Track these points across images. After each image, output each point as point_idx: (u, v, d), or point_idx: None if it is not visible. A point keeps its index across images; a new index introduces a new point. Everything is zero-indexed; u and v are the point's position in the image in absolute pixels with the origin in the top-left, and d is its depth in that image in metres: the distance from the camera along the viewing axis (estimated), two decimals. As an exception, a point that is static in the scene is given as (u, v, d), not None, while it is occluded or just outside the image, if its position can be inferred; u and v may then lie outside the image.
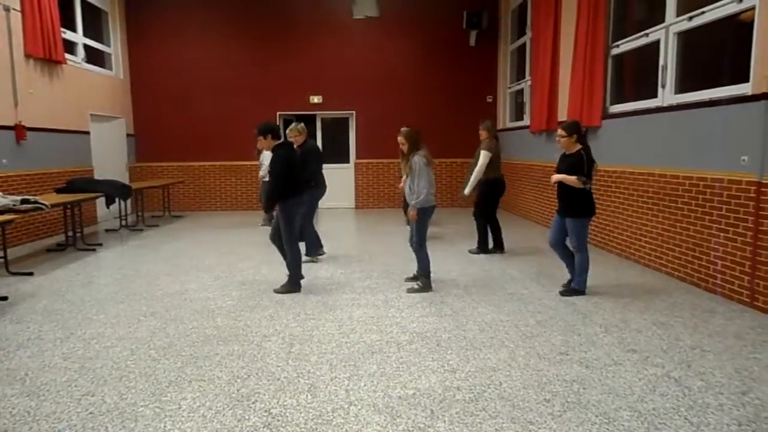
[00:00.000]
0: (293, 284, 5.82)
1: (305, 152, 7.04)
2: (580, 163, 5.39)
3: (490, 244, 7.71)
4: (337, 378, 3.70)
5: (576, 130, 5.49)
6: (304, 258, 6.61)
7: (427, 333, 4.55)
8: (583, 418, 3.12)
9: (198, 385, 3.60)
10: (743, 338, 4.34)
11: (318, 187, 7.24)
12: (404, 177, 5.77)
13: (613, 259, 7.25)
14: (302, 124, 7.28)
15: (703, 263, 5.74)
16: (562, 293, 5.60)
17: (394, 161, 12.96)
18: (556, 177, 5.48)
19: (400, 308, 5.22)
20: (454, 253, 7.74)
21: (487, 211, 7.62)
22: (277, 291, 5.78)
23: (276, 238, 5.86)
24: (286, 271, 5.87)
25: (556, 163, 5.69)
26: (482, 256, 7.53)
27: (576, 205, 5.45)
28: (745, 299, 5.16)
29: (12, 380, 3.69)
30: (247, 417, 3.18)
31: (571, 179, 5.34)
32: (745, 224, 5.14)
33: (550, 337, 4.43)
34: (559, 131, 5.52)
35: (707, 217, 5.66)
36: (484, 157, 7.38)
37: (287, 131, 7.24)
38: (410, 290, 5.77)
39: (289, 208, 5.65)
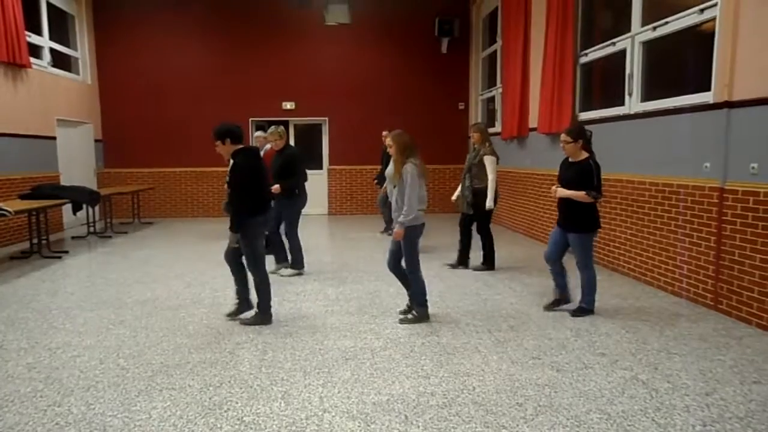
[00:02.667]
0: (264, 314, 4.98)
1: (289, 158, 6.70)
2: (589, 174, 4.84)
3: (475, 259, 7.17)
4: (310, 385, 3.69)
5: (581, 134, 4.94)
6: (271, 267, 6.49)
7: (401, 339, 4.55)
8: (554, 422, 3.16)
9: (169, 394, 3.55)
10: (707, 340, 4.45)
11: (300, 195, 6.79)
12: (387, 185, 5.07)
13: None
14: (282, 128, 6.81)
15: (669, 267, 5.87)
16: (574, 314, 5.10)
17: (367, 167, 13.01)
18: (563, 192, 4.94)
19: (374, 315, 5.22)
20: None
21: (488, 222, 7.00)
22: (245, 323, 4.95)
23: (231, 258, 5.02)
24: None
25: (558, 170, 5.20)
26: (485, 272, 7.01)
27: (581, 219, 4.95)
28: (709, 302, 5.29)
29: (-25, 392, 3.59)
30: (219, 425, 3.14)
31: (579, 195, 4.84)
32: (709, 229, 5.28)
33: (522, 341, 4.48)
34: (563, 136, 4.99)
35: (673, 222, 5.80)
36: (492, 163, 6.72)
37: (267, 134, 6.87)
38: (403, 321, 4.99)
39: (254, 227, 4.83)
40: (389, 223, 8.47)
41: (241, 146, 4.83)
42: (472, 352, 4.27)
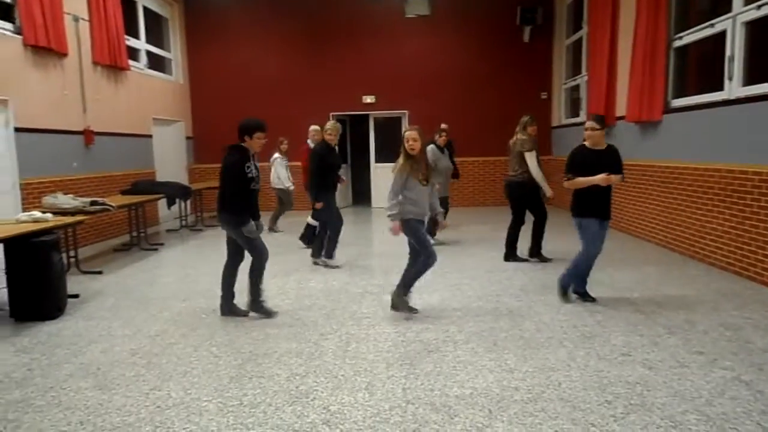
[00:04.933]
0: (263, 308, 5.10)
1: (333, 152, 6.93)
2: (620, 158, 5.11)
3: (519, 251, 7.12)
4: (393, 376, 3.72)
5: (605, 122, 5.21)
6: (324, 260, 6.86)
7: (483, 332, 4.51)
8: (647, 421, 3.03)
9: (258, 382, 3.68)
10: (819, 341, 4.13)
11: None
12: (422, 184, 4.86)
13: (677, 259, 7.01)
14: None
15: (775, 262, 5.48)
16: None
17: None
18: (615, 178, 4.91)
19: (456, 308, 5.19)
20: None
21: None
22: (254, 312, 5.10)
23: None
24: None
25: (580, 160, 5.05)
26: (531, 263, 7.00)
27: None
28: (821, 300, 4.90)
29: (86, 374, 3.87)
30: (306, 414, 3.23)
31: (618, 178, 4.96)
32: (821, 221, 4.88)
33: (610, 337, 4.32)
34: (592, 124, 5.02)
35: (778, 213, 5.40)
36: (533, 158, 6.77)
37: (326, 129, 6.91)
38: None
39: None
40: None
41: (236, 144, 5.06)
42: (557, 346, 4.16)
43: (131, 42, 10.65)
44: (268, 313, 5.08)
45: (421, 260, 4.93)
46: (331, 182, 6.98)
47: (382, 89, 13.15)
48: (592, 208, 5.03)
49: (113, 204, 7.32)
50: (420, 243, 4.91)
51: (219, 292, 5.23)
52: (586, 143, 5.10)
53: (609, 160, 5.03)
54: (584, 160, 5.04)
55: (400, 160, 4.87)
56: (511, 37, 12.80)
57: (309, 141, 8.28)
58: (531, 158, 6.75)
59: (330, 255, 7.08)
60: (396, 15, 12.88)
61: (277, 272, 6.82)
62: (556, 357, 3.96)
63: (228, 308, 5.16)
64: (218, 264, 7.36)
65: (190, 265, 7.48)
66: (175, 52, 12.85)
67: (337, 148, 7.07)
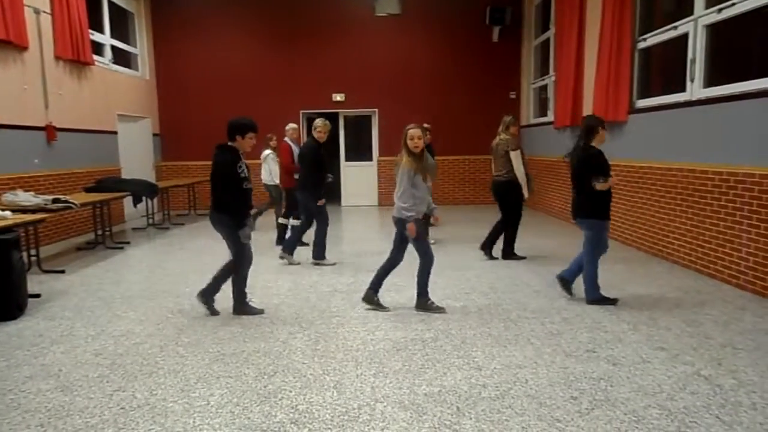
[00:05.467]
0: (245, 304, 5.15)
1: (321, 150, 6.89)
2: None
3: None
4: (362, 375, 3.72)
5: None
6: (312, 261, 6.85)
7: (451, 330, 4.54)
8: (611, 416, 3.09)
9: (225, 382, 3.64)
10: (776, 336, 4.26)
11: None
12: (424, 181, 4.97)
13: (641, 257, 7.16)
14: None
15: (734, 260, 5.63)
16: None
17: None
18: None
19: (425, 312, 5.21)
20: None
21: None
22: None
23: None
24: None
25: (599, 162, 5.07)
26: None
27: None
28: (778, 296, 5.06)
29: (47, 375, 3.78)
30: (274, 413, 3.21)
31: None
32: (778, 220, 5.04)
33: (576, 334, 4.39)
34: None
35: (738, 212, 5.55)
36: (518, 157, 6.83)
37: (316, 127, 6.89)
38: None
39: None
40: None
41: (226, 143, 4.97)
42: (525, 344, 4.21)
43: (95, 36, 10.42)
44: (254, 312, 5.08)
45: (420, 263, 4.99)
46: (321, 180, 6.91)
47: (352, 87, 13.13)
48: (608, 210, 5.10)
49: (76, 201, 7.15)
50: (419, 243, 4.92)
51: (186, 290, 5.16)
52: (596, 144, 5.08)
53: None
54: (605, 164, 5.06)
55: (404, 158, 4.83)
56: (480, 37, 12.90)
57: (287, 139, 8.20)
58: (516, 158, 6.82)
59: (322, 256, 7.03)
60: (366, 13, 12.87)
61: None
62: (524, 354, 4.01)
63: (241, 308, 5.10)
64: (186, 262, 7.31)
65: (157, 263, 7.36)
66: (141, 47, 12.61)
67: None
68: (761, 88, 5.30)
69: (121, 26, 11.99)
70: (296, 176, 7.61)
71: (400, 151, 4.94)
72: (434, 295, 5.55)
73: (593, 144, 5.06)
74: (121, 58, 11.82)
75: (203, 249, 8.26)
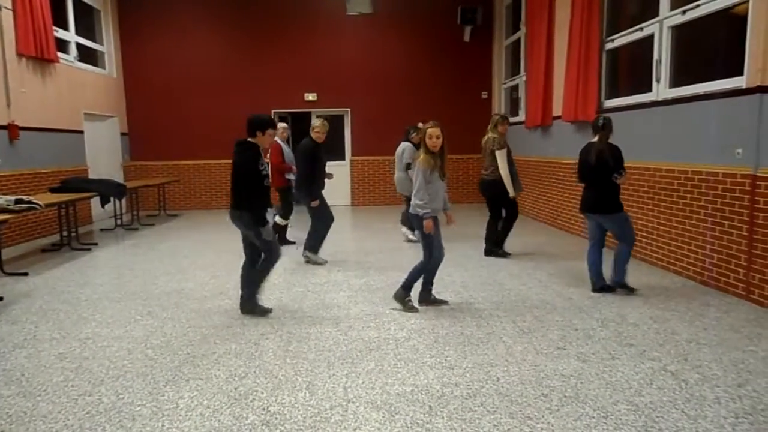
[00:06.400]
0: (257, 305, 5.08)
1: (320, 149, 6.83)
2: None
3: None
4: (335, 375, 3.70)
5: None
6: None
7: (424, 329, 4.54)
8: (580, 412, 3.12)
9: (195, 384, 3.59)
10: (739, 331, 4.36)
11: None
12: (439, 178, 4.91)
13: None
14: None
15: (699, 257, 5.76)
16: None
17: (391, 158, 12.98)
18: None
19: (398, 305, 5.21)
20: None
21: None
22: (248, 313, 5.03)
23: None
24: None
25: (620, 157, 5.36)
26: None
27: None
28: (741, 292, 5.18)
29: (8, 381, 3.67)
30: (245, 415, 3.17)
31: None
32: (740, 217, 5.16)
33: (547, 332, 4.43)
34: None
35: (703, 210, 5.67)
36: (502, 156, 6.91)
37: (314, 127, 6.79)
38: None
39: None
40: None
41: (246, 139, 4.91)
42: (497, 342, 4.24)
43: (60, 33, 10.18)
44: (263, 312, 5.00)
45: (422, 259, 5.02)
46: (321, 179, 6.89)
47: (324, 87, 13.07)
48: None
49: (41, 202, 6.97)
50: (427, 240, 4.93)
51: (156, 291, 5.06)
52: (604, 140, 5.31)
53: None
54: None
55: (421, 155, 4.86)
56: (452, 37, 12.96)
57: (277, 138, 8.11)
58: (501, 156, 6.87)
59: (316, 250, 7.02)
60: (338, 12, 12.83)
61: (217, 271, 6.68)
62: (495, 353, 4.04)
63: (249, 307, 5.03)
64: (156, 264, 7.20)
65: (125, 265, 7.23)
66: (108, 45, 12.36)
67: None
68: (724, 88, 5.43)
69: (87, 23, 11.74)
70: (288, 176, 7.79)
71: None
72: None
73: (599, 139, 5.34)
74: (87, 55, 11.57)
75: (174, 250, 8.14)
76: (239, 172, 4.76)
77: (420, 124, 8.34)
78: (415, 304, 5.11)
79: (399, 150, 8.37)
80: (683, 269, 6.01)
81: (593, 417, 3.08)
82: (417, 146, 8.06)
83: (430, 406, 3.24)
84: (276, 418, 3.14)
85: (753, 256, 5.03)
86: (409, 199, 7.98)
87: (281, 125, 8.31)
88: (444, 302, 5.21)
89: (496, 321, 4.72)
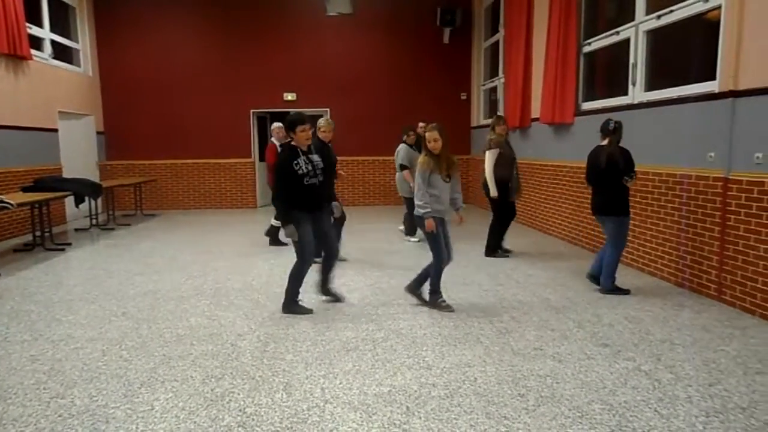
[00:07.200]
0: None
1: (328, 149, 6.58)
2: None
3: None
4: (312, 376, 3.68)
5: None
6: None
7: (402, 330, 4.55)
8: (556, 412, 3.15)
9: (171, 386, 3.55)
10: (711, 331, 4.44)
11: None
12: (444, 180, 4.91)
13: (587, 255, 7.34)
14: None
15: (673, 258, 5.85)
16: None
17: (369, 158, 13.00)
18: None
19: (376, 306, 5.22)
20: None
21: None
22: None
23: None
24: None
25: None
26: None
27: None
28: (713, 293, 5.27)
29: (-22, 384, 3.60)
30: (221, 417, 3.15)
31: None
32: (713, 219, 5.25)
33: (524, 332, 4.47)
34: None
35: (677, 212, 5.77)
36: (490, 156, 7.03)
37: (320, 126, 6.63)
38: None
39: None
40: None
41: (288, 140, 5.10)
42: (474, 342, 4.26)
43: (34, 30, 10.01)
44: (303, 312, 5.03)
45: (432, 261, 5.03)
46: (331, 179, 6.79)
47: (303, 87, 13.03)
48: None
49: (12, 201, 6.85)
50: (433, 241, 4.94)
51: (131, 292, 5.01)
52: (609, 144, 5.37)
53: None
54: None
55: (422, 156, 4.95)
56: (431, 39, 13.01)
57: (273, 139, 8.08)
58: (489, 156, 7.01)
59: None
60: (318, 12, 12.80)
61: (194, 272, 6.62)
62: (473, 353, 4.06)
63: (289, 308, 5.06)
64: (132, 264, 7.10)
65: (100, 265, 7.12)
66: (84, 43, 12.18)
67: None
68: (697, 92, 5.52)
69: (62, 20, 11.55)
70: None
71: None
72: (384, 294, 5.58)
73: (604, 143, 5.41)
74: (63, 53, 11.38)
75: (150, 251, 8.04)
76: (275, 171, 4.94)
77: (421, 124, 8.45)
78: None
79: (396, 151, 8.41)
80: (658, 270, 6.10)
81: (569, 417, 3.11)
82: (412, 147, 8.12)
83: (407, 407, 3.24)
84: (253, 420, 3.12)
85: (725, 258, 5.13)
86: (406, 199, 8.07)
87: (276, 125, 8.26)
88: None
89: (473, 321, 4.74)
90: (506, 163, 7.04)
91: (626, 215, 5.41)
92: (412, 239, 8.45)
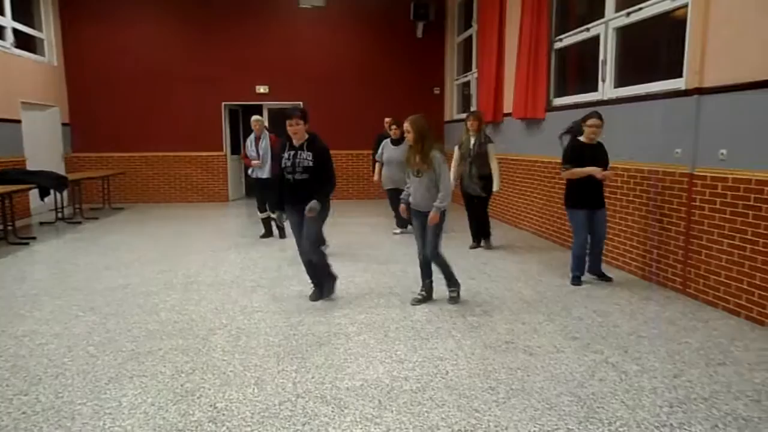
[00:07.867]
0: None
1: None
2: (607, 153, 5.64)
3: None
4: (284, 370, 3.67)
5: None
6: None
7: (375, 324, 4.55)
8: (526, 405, 3.19)
9: (140, 381, 3.50)
10: (676, 324, 4.54)
11: None
12: (413, 174, 4.97)
13: (558, 249, 7.44)
14: None
15: (640, 252, 5.96)
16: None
17: (343, 152, 12.94)
18: (610, 174, 5.57)
19: (348, 300, 5.21)
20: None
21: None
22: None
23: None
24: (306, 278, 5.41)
25: (578, 154, 5.51)
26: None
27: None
28: (678, 286, 5.39)
29: (-63, 381, 3.50)
30: (191, 412, 3.11)
31: (611, 174, 5.65)
32: (679, 214, 5.36)
33: (495, 326, 4.51)
34: (596, 121, 5.44)
35: (644, 207, 5.88)
36: (494, 150, 7.27)
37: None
38: (452, 300, 5.14)
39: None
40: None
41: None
42: (446, 336, 4.29)
43: (-4, 18, 9.72)
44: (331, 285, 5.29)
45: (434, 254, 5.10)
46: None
47: (276, 79, 12.90)
48: (583, 199, 5.56)
49: (-25, 194, 6.66)
50: (441, 234, 5.05)
51: (99, 287, 4.92)
52: (584, 138, 5.53)
53: (601, 154, 5.58)
54: (582, 153, 5.51)
55: (438, 153, 4.94)
56: (405, 33, 13.00)
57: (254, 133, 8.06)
58: (454, 154, 7.24)
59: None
60: (291, 4, 12.68)
61: (163, 267, 6.53)
62: (445, 347, 4.08)
63: (318, 294, 5.24)
64: (99, 258, 6.96)
65: (66, 260, 6.97)
66: (48, 31, 11.85)
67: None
68: (665, 89, 5.62)
69: (24, 8, 11.19)
70: (254, 171, 8.04)
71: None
72: (357, 288, 5.57)
73: (581, 137, 5.56)
74: (25, 42, 11.05)
75: (118, 244, 7.90)
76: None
77: (387, 120, 8.45)
78: (363, 296, 5.18)
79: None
80: (625, 264, 6.21)
81: (538, 409, 3.15)
82: (393, 141, 8.10)
83: (379, 400, 3.25)
84: (223, 415, 3.09)
85: (689, 252, 5.25)
86: (390, 191, 8.09)
87: (254, 118, 8.17)
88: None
89: (446, 315, 4.77)
90: (463, 159, 7.27)
91: (570, 207, 5.64)
92: (397, 231, 8.50)
